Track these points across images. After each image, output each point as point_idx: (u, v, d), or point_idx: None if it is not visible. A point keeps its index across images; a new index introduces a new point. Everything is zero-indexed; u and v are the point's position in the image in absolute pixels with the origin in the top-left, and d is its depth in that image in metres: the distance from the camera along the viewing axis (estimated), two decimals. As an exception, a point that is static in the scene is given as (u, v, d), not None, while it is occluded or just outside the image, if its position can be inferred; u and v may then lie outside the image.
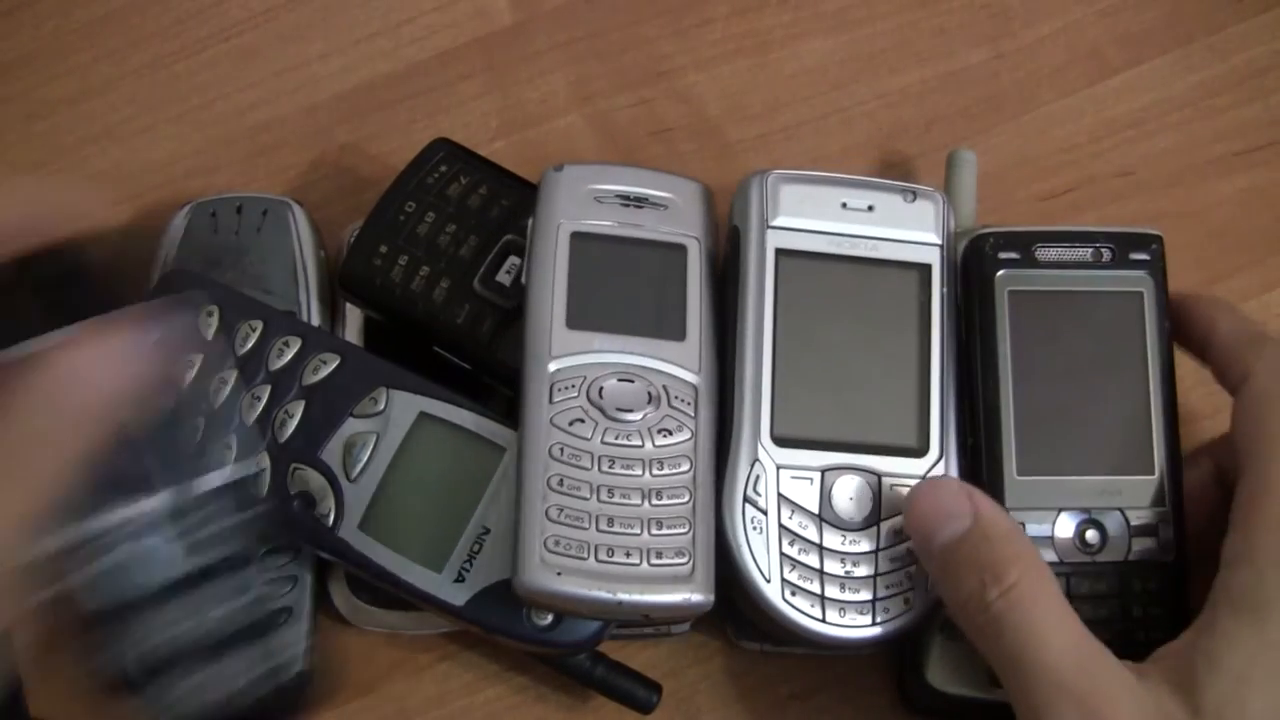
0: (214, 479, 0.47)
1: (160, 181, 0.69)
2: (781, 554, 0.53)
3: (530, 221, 0.58)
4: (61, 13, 0.72)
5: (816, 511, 0.53)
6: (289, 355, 0.57)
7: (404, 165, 0.66)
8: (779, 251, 0.56)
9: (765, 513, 0.53)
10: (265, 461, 0.56)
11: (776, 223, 0.57)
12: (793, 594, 0.52)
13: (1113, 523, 0.54)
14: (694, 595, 0.52)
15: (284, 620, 0.58)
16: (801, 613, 0.52)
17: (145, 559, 0.43)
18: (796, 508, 0.53)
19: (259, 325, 0.58)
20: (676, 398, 0.55)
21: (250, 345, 0.57)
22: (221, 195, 0.64)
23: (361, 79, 0.71)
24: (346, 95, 0.71)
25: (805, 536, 0.53)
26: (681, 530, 0.53)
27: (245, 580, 0.44)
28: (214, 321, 0.58)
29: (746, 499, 0.53)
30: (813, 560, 0.53)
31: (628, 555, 0.52)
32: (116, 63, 0.71)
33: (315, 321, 0.62)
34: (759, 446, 0.54)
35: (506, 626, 0.53)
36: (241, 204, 0.64)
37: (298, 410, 0.56)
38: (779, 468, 0.54)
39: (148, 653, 0.43)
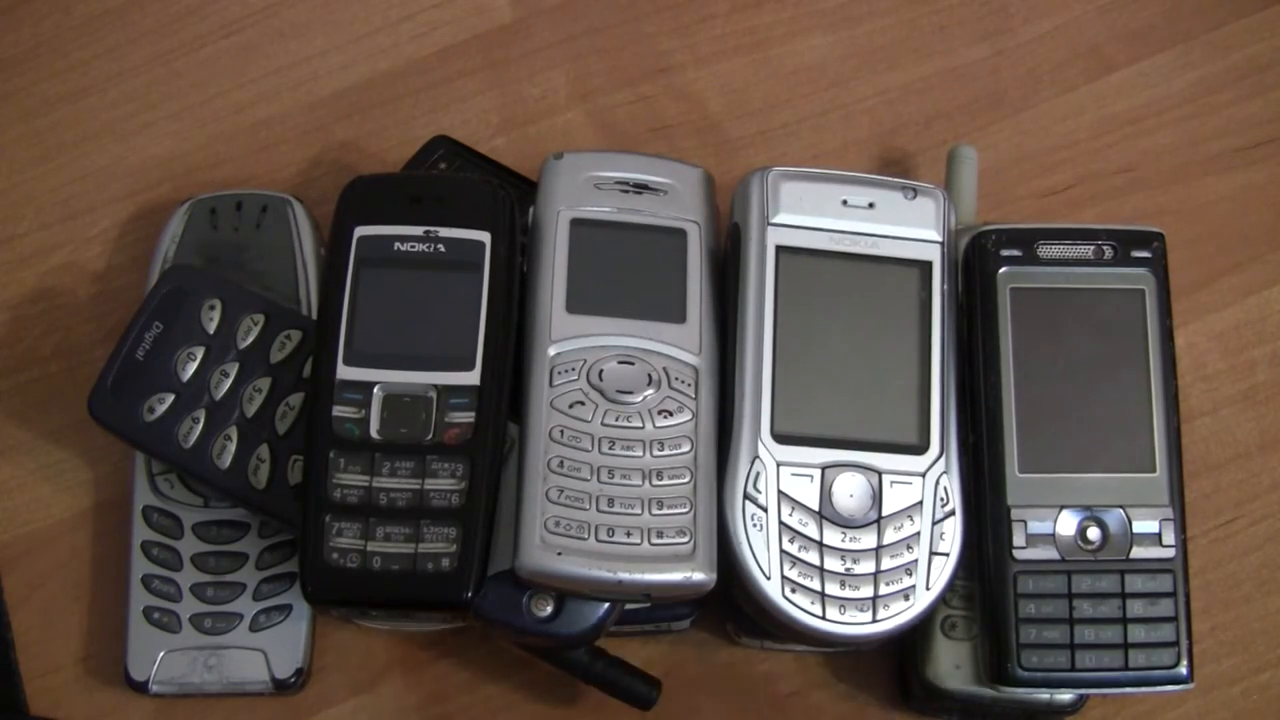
0: None
1: (160, 178, 0.69)
2: (782, 551, 0.53)
3: (530, 209, 0.58)
4: (61, 9, 0.72)
5: (817, 508, 0.53)
6: (290, 348, 0.57)
7: (403, 162, 0.67)
8: (779, 249, 0.56)
9: (765, 510, 0.53)
10: (266, 454, 0.56)
11: (777, 220, 0.57)
12: (793, 591, 0.52)
13: (1114, 521, 0.54)
14: (695, 574, 0.52)
15: (283, 618, 0.58)
16: (801, 610, 0.52)
17: None
18: (797, 505, 0.53)
19: (261, 319, 0.58)
20: (677, 379, 0.55)
21: (252, 338, 0.58)
22: (221, 192, 0.64)
23: (361, 76, 0.71)
24: (346, 92, 0.71)
25: (805, 533, 0.53)
26: (682, 510, 0.53)
27: None
28: (216, 315, 0.58)
29: (747, 496, 0.53)
30: (813, 557, 0.53)
31: (628, 535, 0.52)
32: (116, 59, 0.71)
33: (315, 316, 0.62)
34: (759, 443, 0.54)
35: (507, 618, 0.53)
36: (241, 200, 0.64)
37: (298, 402, 0.56)
38: (779, 465, 0.54)
39: None
